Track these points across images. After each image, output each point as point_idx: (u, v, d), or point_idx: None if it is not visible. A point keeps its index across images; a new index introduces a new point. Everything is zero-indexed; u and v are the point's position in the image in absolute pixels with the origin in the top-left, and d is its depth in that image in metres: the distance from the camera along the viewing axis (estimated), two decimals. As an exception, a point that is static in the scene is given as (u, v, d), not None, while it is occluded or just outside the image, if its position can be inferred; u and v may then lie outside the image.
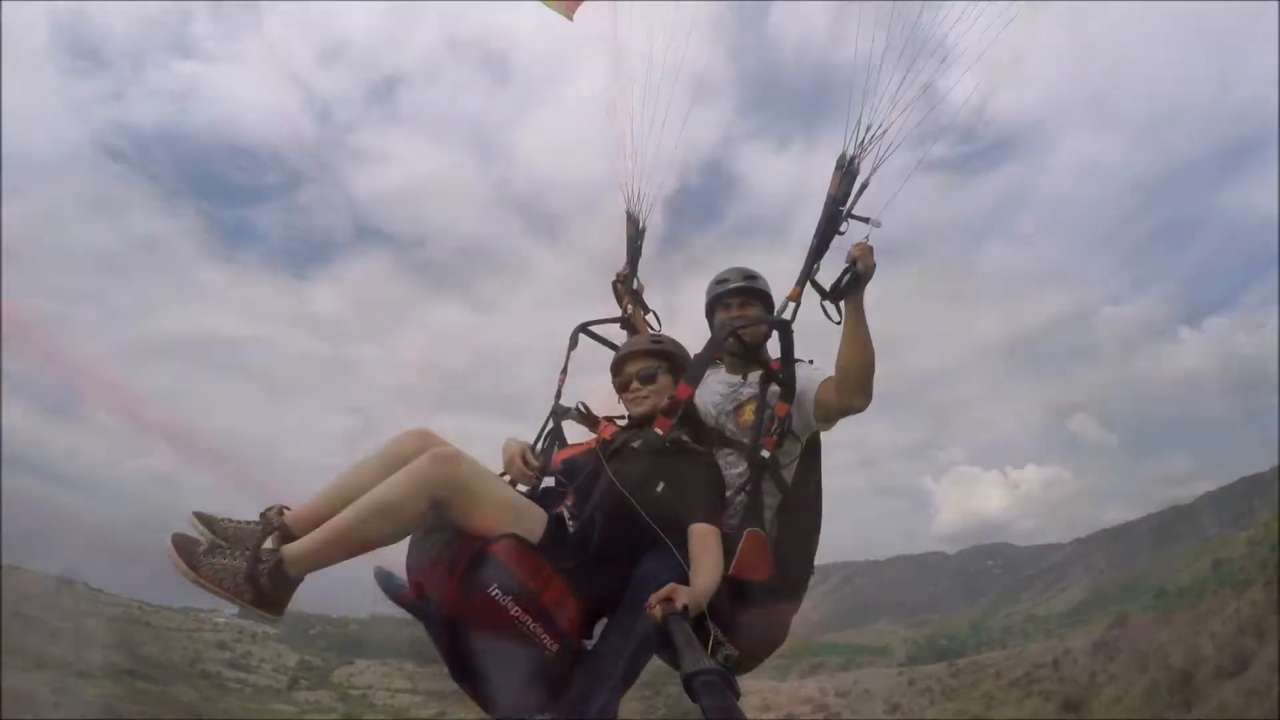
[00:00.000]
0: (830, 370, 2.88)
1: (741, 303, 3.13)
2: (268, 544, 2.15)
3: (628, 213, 3.90)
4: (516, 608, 2.17)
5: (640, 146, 3.76)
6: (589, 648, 2.47)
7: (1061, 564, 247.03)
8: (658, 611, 1.95)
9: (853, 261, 2.63)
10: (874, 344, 2.67)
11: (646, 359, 2.89)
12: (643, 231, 3.90)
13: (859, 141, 2.76)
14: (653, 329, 3.68)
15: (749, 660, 2.71)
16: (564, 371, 3.37)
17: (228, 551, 2.12)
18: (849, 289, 2.65)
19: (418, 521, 2.25)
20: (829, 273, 2.81)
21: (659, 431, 2.53)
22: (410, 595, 2.44)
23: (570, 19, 4.45)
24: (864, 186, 2.75)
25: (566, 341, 3.54)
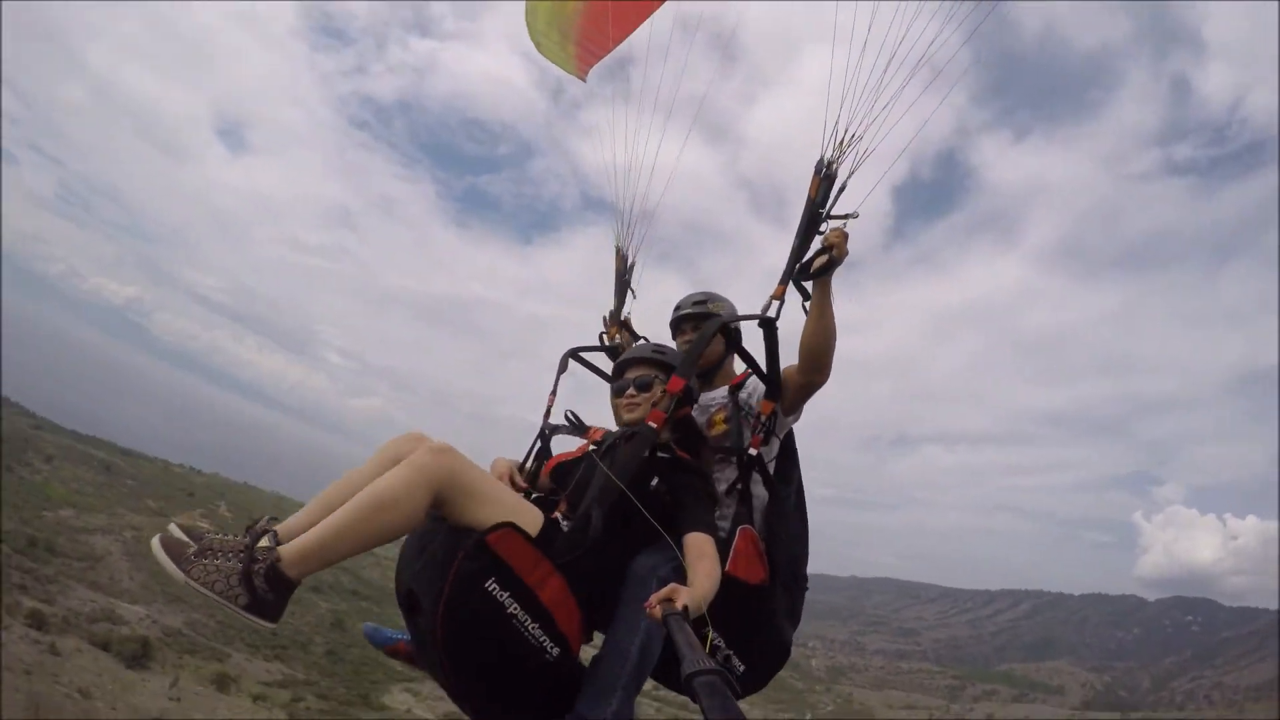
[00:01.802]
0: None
1: (694, 327, 3.27)
2: (263, 543, 2.01)
3: (617, 247, 3.91)
4: (515, 605, 2.10)
5: (632, 179, 3.80)
6: (592, 656, 2.40)
7: (1264, 631, 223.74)
8: (658, 611, 1.84)
9: (829, 247, 2.66)
10: (836, 324, 2.72)
11: (646, 367, 2.81)
12: (631, 267, 3.90)
13: (838, 143, 2.81)
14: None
15: (757, 678, 2.70)
16: (553, 394, 3.34)
17: (220, 553, 1.96)
18: (821, 273, 2.67)
19: (418, 516, 2.12)
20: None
21: (653, 425, 2.49)
22: (402, 646, 2.51)
23: (583, 79, 4.43)
24: (841, 189, 2.80)
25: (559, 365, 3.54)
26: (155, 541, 2.05)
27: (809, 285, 2.82)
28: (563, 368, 3.43)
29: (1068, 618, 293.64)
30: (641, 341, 3.66)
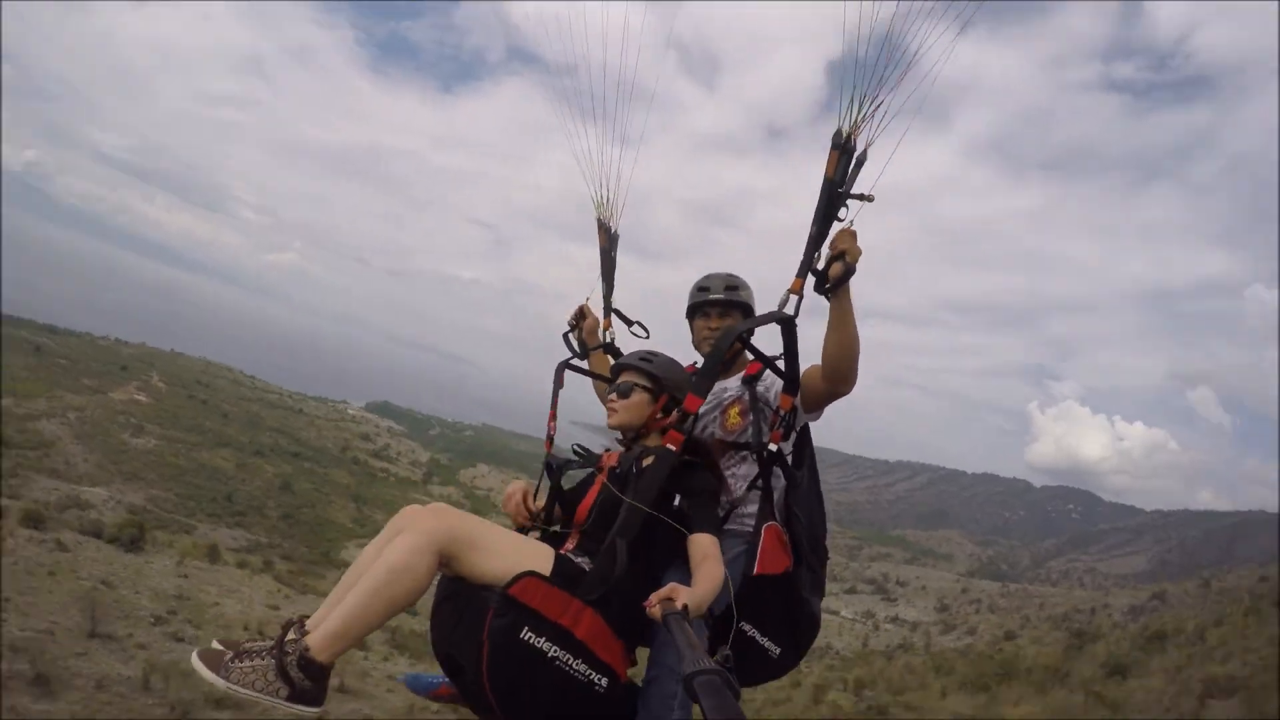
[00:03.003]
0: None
1: (720, 313, 3.07)
2: (290, 636, 2.08)
3: (598, 219, 3.50)
4: (554, 648, 2.11)
5: (609, 136, 3.29)
6: (638, 678, 2.40)
7: (1137, 529, 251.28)
8: (658, 611, 1.85)
9: (840, 254, 2.48)
10: (858, 329, 2.57)
11: (630, 374, 2.79)
12: (615, 238, 3.51)
13: (853, 118, 2.57)
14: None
15: (791, 655, 2.72)
16: (553, 416, 3.09)
17: (253, 654, 2.06)
18: (839, 283, 2.48)
19: (428, 578, 2.14)
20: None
21: (672, 448, 2.43)
22: (445, 691, 2.49)
23: None
24: (860, 163, 2.57)
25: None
26: (195, 657, 2.09)
27: (816, 290, 2.62)
28: (558, 383, 3.16)
29: (960, 493, 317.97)
30: (636, 325, 3.44)
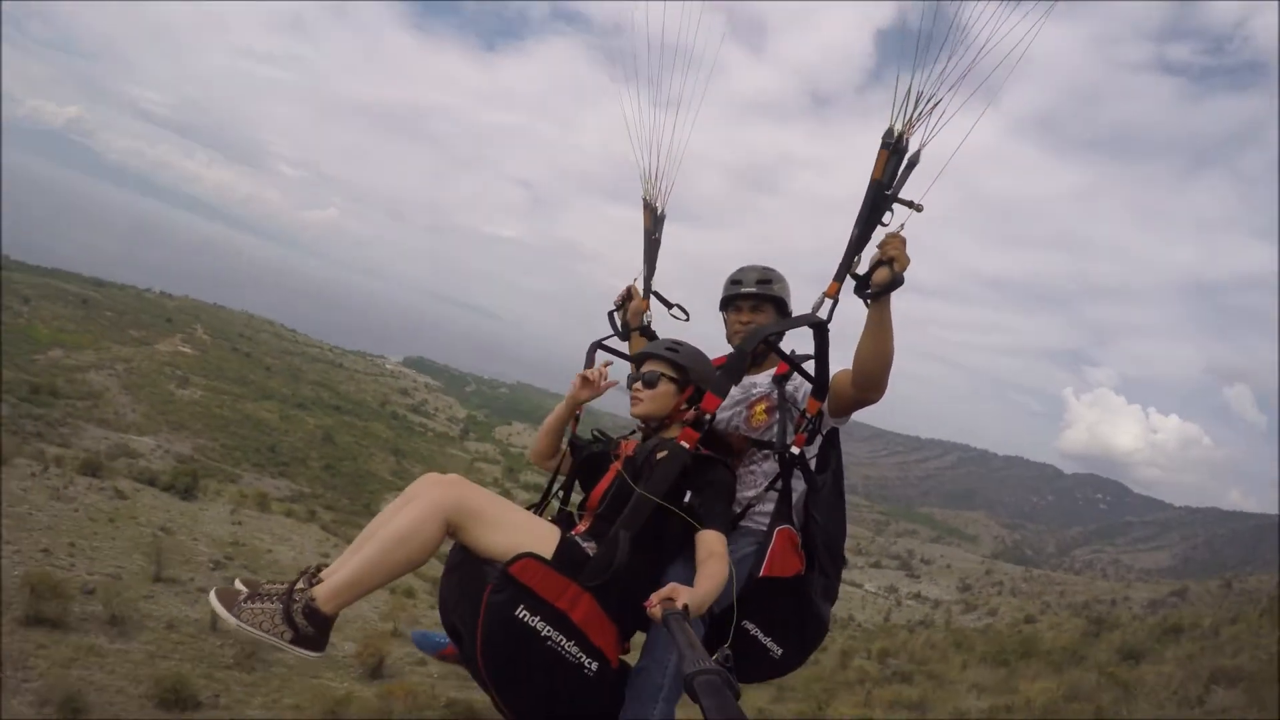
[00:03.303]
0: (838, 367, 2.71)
1: (753, 307, 3.01)
2: (299, 585, 2.21)
3: (644, 200, 3.38)
4: (548, 628, 2.18)
5: (660, 108, 3.13)
6: (630, 664, 2.43)
7: (1164, 524, 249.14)
8: (658, 610, 1.87)
9: (890, 260, 2.33)
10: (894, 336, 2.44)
11: (657, 363, 2.78)
12: (661, 219, 3.40)
13: (907, 117, 2.39)
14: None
15: (795, 657, 2.71)
16: None
17: (265, 597, 2.20)
18: (884, 290, 2.34)
19: (433, 545, 2.25)
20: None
21: (685, 445, 2.44)
22: (450, 650, 2.56)
23: None
24: (913, 165, 2.39)
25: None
26: (212, 594, 2.24)
27: (857, 294, 2.48)
28: (589, 363, 3.08)
29: (989, 474, 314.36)
30: (675, 308, 3.39)
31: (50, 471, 30.43)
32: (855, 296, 2.45)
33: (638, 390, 2.79)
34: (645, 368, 2.83)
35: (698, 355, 2.84)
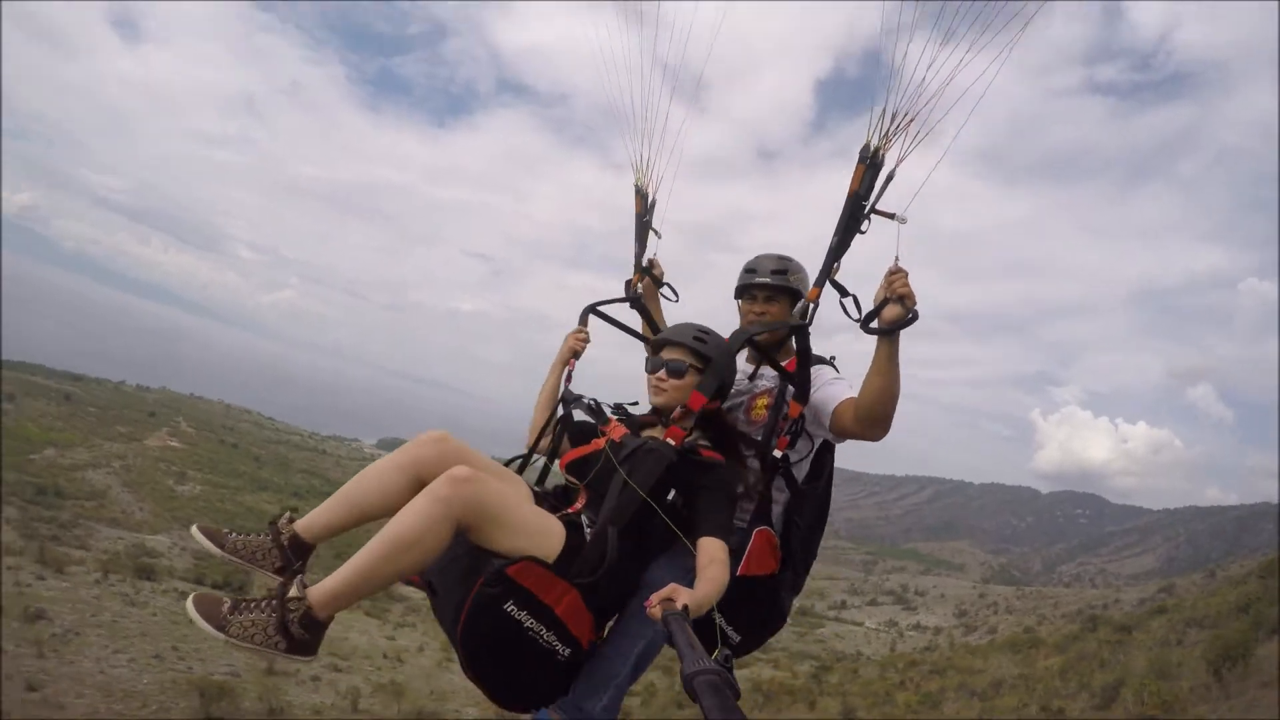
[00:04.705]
0: (849, 374, 2.75)
1: (766, 298, 2.95)
2: (293, 592, 2.03)
3: (635, 186, 3.40)
4: (531, 620, 2.16)
5: (650, 101, 3.14)
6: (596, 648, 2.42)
7: (1145, 529, 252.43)
8: (657, 611, 1.87)
9: (902, 296, 2.35)
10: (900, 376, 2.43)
11: (683, 352, 2.63)
12: (653, 206, 3.40)
13: (883, 132, 2.45)
14: (670, 299, 3.42)
15: (751, 643, 2.76)
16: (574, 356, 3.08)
17: (253, 605, 2.01)
18: (895, 328, 2.36)
19: (440, 550, 2.12)
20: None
21: (671, 442, 2.42)
22: (416, 579, 2.42)
23: None
24: (889, 179, 2.45)
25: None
26: (190, 604, 2.02)
27: (866, 330, 2.48)
28: (582, 323, 3.10)
29: (967, 503, 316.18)
30: (665, 288, 3.41)
31: (111, 578, 31.60)
32: (864, 331, 2.46)
33: (661, 379, 2.64)
34: (669, 355, 2.67)
35: (724, 347, 2.68)
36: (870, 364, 2.48)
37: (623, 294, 3.33)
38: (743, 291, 3.04)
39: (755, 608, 2.68)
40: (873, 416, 2.54)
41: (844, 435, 2.73)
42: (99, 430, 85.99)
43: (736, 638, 2.69)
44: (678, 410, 2.61)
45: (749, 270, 3.02)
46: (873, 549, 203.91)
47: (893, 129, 2.46)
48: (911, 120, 2.43)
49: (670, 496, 2.42)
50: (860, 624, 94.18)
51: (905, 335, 2.41)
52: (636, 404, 2.83)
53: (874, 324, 2.43)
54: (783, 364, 2.76)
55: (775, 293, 2.95)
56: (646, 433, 2.67)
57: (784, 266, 2.97)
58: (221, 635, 1.99)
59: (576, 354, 3.03)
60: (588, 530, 2.39)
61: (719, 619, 2.36)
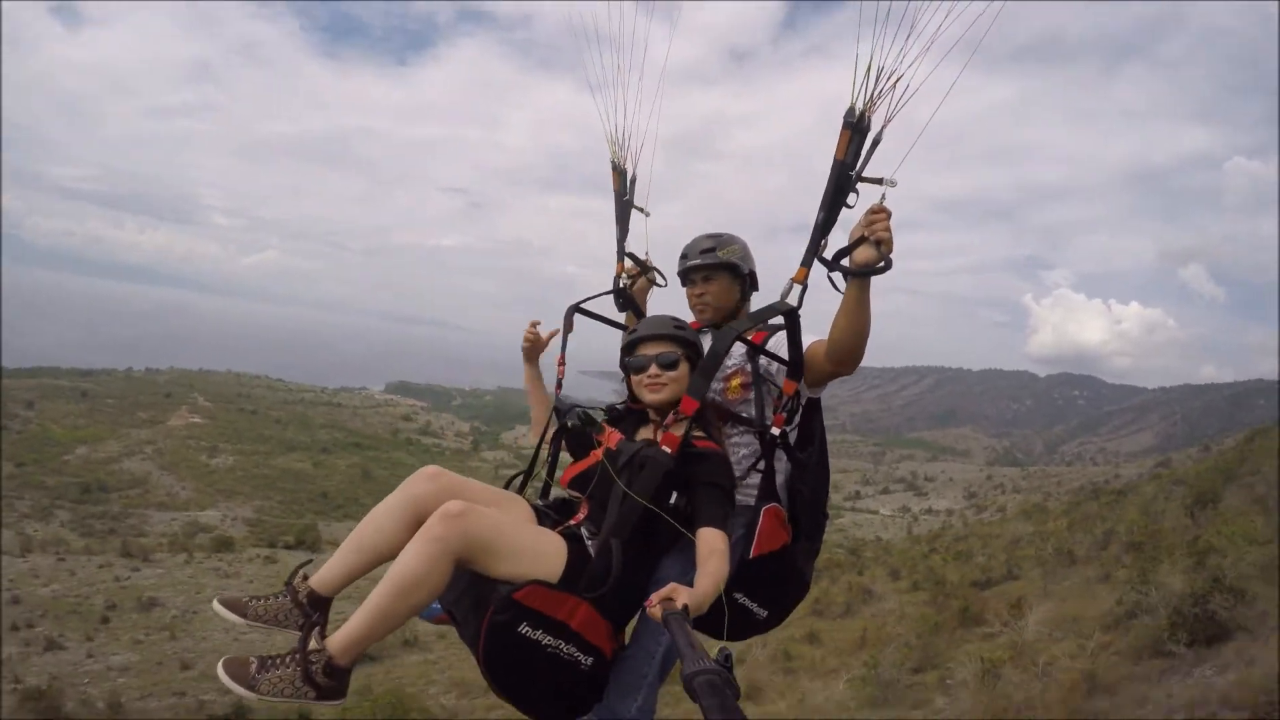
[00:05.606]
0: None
1: (705, 278, 2.91)
2: (313, 644, 2.13)
3: (613, 162, 3.27)
4: (548, 637, 2.19)
5: (626, 70, 3.01)
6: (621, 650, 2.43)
7: (1142, 407, 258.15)
8: (658, 611, 1.85)
9: (879, 241, 2.21)
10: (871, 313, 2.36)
11: (668, 344, 2.61)
12: (633, 183, 3.28)
13: (869, 94, 2.27)
14: (658, 285, 3.28)
15: (778, 616, 2.76)
16: (561, 361, 3.04)
17: (278, 661, 2.12)
18: (867, 272, 2.24)
19: (444, 583, 2.18)
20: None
21: (668, 450, 2.37)
22: (444, 618, 2.52)
23: None
24: (876, 143, 2.29)
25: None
26: (221, 669, 2.12)
27: (836, 271, 2.32)
28: (568, 327, 3.01)
29: (967, 390, 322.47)
30: (655, 273, 3.28)
31: (196, 556, 33.68)
32: (830, 273, 2.33)
33: (655, 376, 2.58)
34: (654, 350, 2.61)
35: (693, 331, 2.72)
36: (840, 305, 2.38)
37: (613, 283, 3.23)
38: (683, 279, 3.00)
39: (774, 579, 2.66)
40: (843, 353, 2.49)
41: (818, 378, 2.67)
42: (122, 420, 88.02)
43: (763, 613, 2.67)
44: (670, 415, 2.48)
45: (681, 256, 2.97)
46: (879, 440, 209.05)
47: (876, 91, 2.26)
48: (898, 80, 2.23)
49: (674, 498, 2.39)
50: (875, 512, 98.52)
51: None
52: (626, 403, 2.77)
53: (845, 262, 2.29)
54: (749, 336, 2.72)
55: (711, 271, 2.90)
56: (642, 432, 2.64)
57: (713, 244, 2.91)
58: (254, 695, 2.10)
59: (536, 348, 3.06)
60: (588, 542, 2.44)
61: (742, 599, 2.53)
